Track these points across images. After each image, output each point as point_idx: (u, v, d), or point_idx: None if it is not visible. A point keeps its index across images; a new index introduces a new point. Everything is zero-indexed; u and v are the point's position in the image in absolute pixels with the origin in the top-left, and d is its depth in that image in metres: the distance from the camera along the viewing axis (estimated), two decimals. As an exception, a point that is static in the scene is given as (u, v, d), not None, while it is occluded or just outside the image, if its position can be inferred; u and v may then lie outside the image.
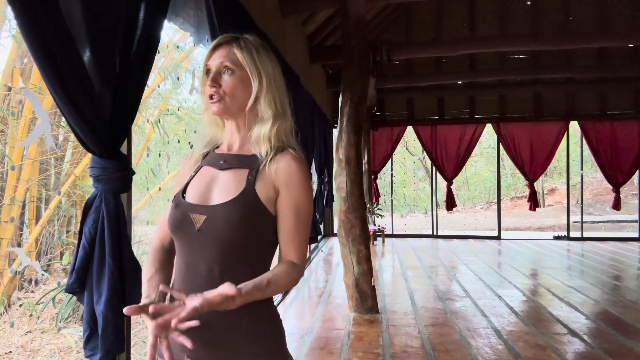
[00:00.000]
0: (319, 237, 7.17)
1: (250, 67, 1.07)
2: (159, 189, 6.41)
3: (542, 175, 10.20)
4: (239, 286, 0.92)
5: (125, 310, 0.89)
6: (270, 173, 1.05)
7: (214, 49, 1.09)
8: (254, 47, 1.09)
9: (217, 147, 1.16)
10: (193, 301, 0.88)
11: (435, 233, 9.71)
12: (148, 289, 1.05)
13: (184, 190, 1.10)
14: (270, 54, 1.12)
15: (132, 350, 2.77)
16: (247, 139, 1.11)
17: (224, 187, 1.05)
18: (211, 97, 1.06)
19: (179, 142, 7.33)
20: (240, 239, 1.01)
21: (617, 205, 8.78)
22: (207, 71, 1.09)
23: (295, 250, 1.05)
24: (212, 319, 0.96)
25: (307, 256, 3.12)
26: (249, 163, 1.07)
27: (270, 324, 1.06)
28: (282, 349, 1.08)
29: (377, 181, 9.94)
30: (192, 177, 1.12)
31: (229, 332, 1.01)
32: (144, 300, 1.02)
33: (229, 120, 1.12)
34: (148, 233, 7.92)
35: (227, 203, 1.02)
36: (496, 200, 10.08)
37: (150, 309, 0.90)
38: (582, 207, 9.87)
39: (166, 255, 1.15)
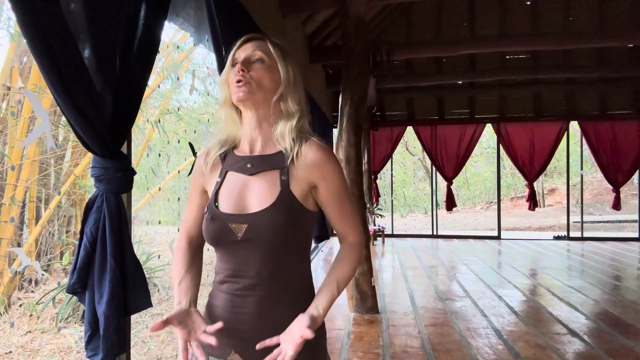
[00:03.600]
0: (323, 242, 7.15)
1: (280, 60, 1.09)
2: (159, 189, 6.40)
3: (542, 175, 10.20)
4: (316, 309, 1.00)
5: (151, 327, 0.92)
6: (301, 168, 1.05)
7: (244, 42, 1.10)
8: (284, 46, 1.12)
9: (234, 147, 1.13)
10: (288, 348, 0.94)
11: (435, 233, 9.71)
12: (179, 295, 1.06)
13: (215, 200, 1.07)
14: (295, 60, 1.15)
15: (132, 351, 2.77)
16: (270, 135, 1.10)
17: (258, 193, 1.04)
18: (238, 81, 1.05)
19: (179, 142, 7.32)
20: (284, 241, 1.02)
21: (617, 205, 8.79)
22: (234, 63, 1.09)
23: (352, 229, 1.11)
24: (261, 315, 1.03)
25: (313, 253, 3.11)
26: (277, 163, 1.06)
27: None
28: (324, 348, 1.11)
29: (377, 181, 9.94)
30: (219, 183, 1.09)
31: (277, 329, 1.02)
32: (175, 308, 1.03)
33: (250, 111, 1.08)
34: (148, 233, 7.91)
35: (267, 209, 1.01)
36: (496, 200, 10.08)
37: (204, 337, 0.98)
38: (582, 207, 9.87)
39: (193, 254, 1.15)
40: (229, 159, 1.10)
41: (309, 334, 0.93)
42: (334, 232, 1.14)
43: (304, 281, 1.09)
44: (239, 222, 1.02)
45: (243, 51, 1.08)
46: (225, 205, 1.05)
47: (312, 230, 1.11)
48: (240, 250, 1.03)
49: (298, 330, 0.96)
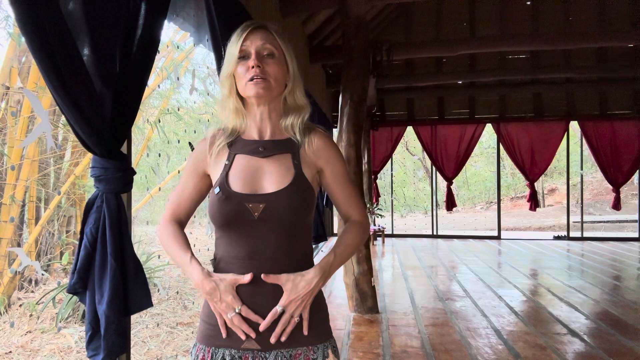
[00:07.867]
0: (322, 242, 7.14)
1: (287, 52, 1.11)
2: (159, 189, 6.40)
3: (542, 175, 10.19)
4: (327, 264, 1.06)
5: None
6: (310, 154, 1.11)
7: (248, 32, 1.08)
8: (285, 36, 1.13)
9: (239, 134, 1.14)
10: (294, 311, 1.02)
11: (435, 233, 9.71)
12: (197, 264, 1.04)
13: (225, 181, 1.07)
14: (292, 46, 1.16)
15: (132, 351, 2.77)
16: (278, 124, 1.13)
17: (274, 174, 1.07)
18: (254, 77, 1.05)
19: (179, 142, 7.32)
20: (299, 221, 1.06)
21: (617, 205, 8.78)
22: (242, 55, 1.07)
23: (356, 210, 1.17)
24: (276, 298, 1.03)
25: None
26: (288, 147, 1.10)
27: (322, 296, 1.14)
28: (329, 328, 1.15)
29: (377, 181, 9.94)
30: (228, 166, 1.09)
31: None
32: (208, 281, 1.02)
33: (263, 105, 1.10)
34: (148, 233, 7.92)
35: (284, 190, 1.04)
36: (496, 200, 10.08)
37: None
38: (582, 207, 9.87)
39: (184, 235, 1.13)
40: (237, 143, 1.12)
41: (315, 286, 1.01)
42: (339, 215, 1.19)
43: (311, 265, 1.11)
44: (256, 202, 1.03)
45: (251, 43, 1.07)
46: (239, 186, 1.05)
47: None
48: (255, 231, 1.03)
49: (304, 286, 1.01)
